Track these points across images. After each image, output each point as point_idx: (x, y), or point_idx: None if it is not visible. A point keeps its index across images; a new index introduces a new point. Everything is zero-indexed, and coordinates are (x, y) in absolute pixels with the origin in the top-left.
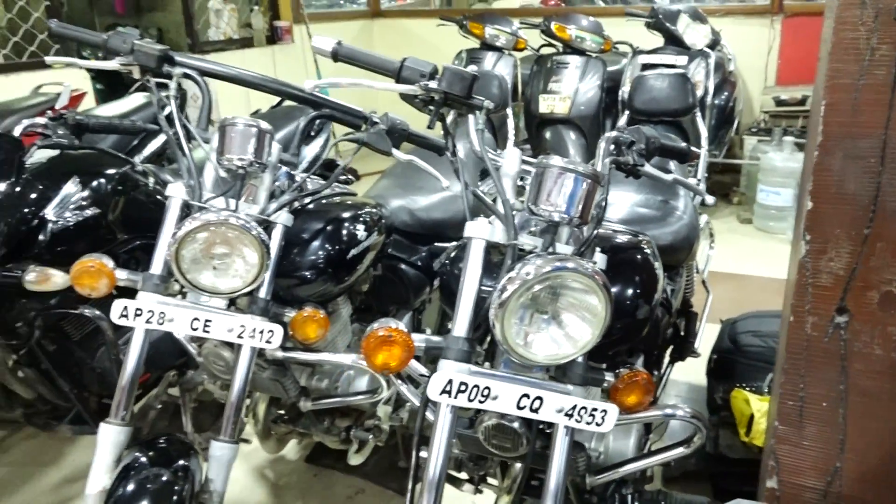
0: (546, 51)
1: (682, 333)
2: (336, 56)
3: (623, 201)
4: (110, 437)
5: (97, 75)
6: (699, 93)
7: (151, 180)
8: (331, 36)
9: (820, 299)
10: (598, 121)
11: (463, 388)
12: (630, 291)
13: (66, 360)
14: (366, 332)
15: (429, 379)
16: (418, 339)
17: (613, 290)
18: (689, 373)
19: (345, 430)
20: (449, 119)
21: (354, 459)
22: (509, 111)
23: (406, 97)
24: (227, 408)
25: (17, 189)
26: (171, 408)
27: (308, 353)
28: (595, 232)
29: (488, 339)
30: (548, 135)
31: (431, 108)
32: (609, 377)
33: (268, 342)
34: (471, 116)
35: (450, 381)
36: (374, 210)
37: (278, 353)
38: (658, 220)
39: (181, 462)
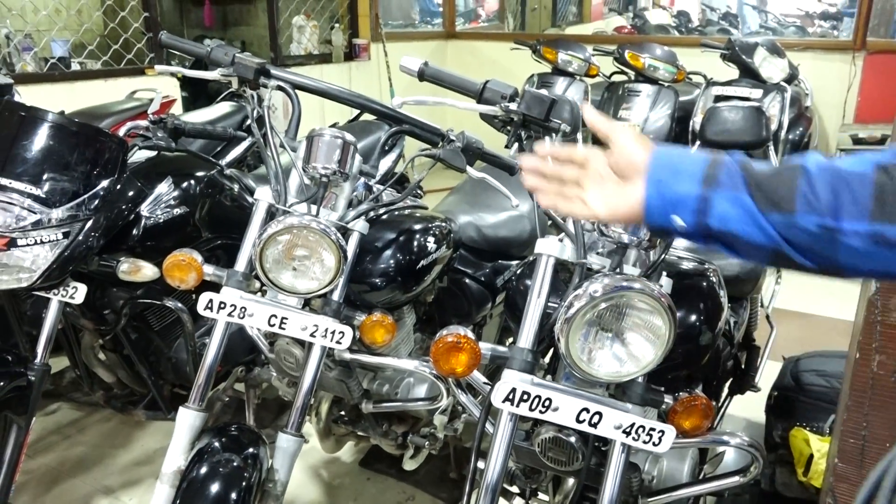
0: (618, 78)
1: (743, 367)
2: (422, 75)
3: None
4: (188, 420)
5: (184, 84)
6: (773, 127)
7: (236, 184)
8: (406, 55)
9: (888, 338)
10: None
11: (525, 397)
12: (693, 317)
13: (146, 348)
14: (436, 337)
15: (492, 387)
16: (485, 348)
17: (678, 314)
18: (748, 408)
19: (401, 435)
20: (526, 140)
21: (409, 465)
22: (580, 136)
23: (485, 117)
24: (295, 402)
25: (119, 186)
26: (234, 402)
27: (373, 357)
28: (662, 256)
29: (551, 352)
30: None
31: (509, 128)
32: (668, 399)
33: (338, 343)
34: (547, 139)
35: (513, 390)
36: (443, 224)
37: (346, 355)
38: None
39: (251, 450)
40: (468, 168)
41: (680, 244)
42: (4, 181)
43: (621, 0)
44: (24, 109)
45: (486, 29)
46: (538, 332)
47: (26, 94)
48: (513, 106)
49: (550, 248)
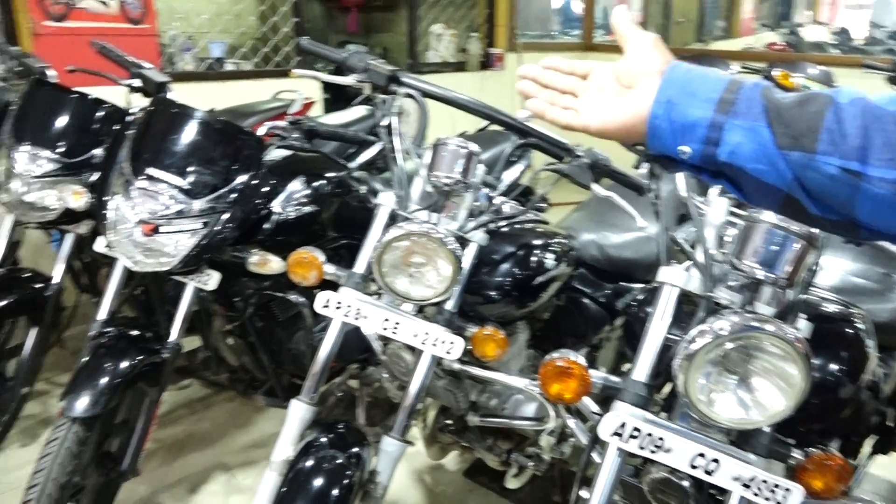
0: None
1: (892, 425)
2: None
3: (837, 267)
4: (298, 413)
5: (326, 87)
6: None
7: (364, 187)
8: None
9: None
10: None
11: (635, 433)
12: (834, 366)
13: (269, 337)
14: (545, 359)
15: (601, 417)
16: (596, 376)
17: (815, 361)
18: (894, 470)
19: (506, 451)
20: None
21: (511, 483)
22: None
23: None
24: (401, 408)
25: (255, 182)
26: (347, 398)
27: (483, 370)
28: (801, 297)
29: (667, 388)
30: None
31: (639, 146)
32: (797, 454)
33: (447, 353)
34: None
35: (623, 424)
36: (564, 241)
37: (455, 365)
38: (876, 293)
39: (355, 449)
40: (593, 185)
41: (823, 282)
42: (155, 172)
43: (775, 15)
44: (176, 106)
45: None
46: (655, 366)
47: (183, 91)
48: None
49: (675, 278)
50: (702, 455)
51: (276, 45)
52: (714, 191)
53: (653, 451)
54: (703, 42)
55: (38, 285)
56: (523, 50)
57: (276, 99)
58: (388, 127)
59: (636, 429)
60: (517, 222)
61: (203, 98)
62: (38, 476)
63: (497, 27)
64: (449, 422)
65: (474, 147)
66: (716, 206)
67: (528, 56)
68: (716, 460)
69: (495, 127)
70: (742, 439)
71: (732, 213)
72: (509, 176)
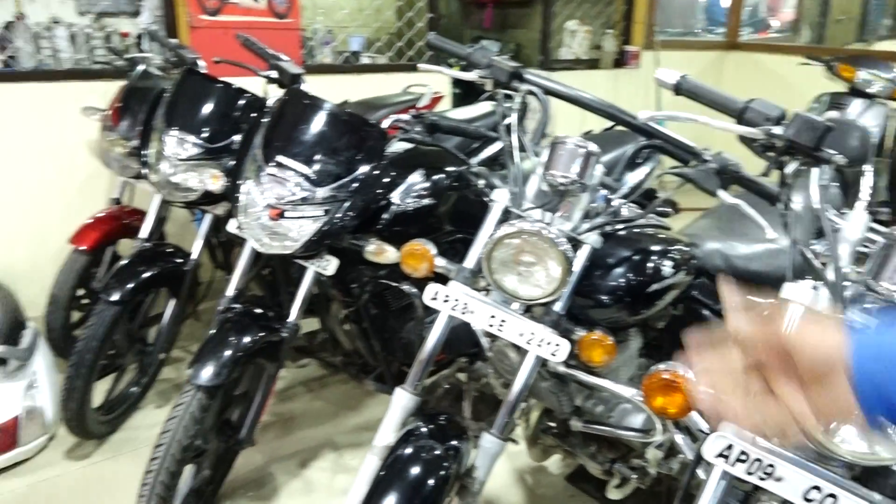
0: None
1: None
2: (679, 89)
3: None
4: (402, 401)
5: (456, 82)
6: None
7: (482, 182)
8: (678, 66)
9: None
10: None
11: (743, 457)
12: None
13: (381, 324)
14: (650, 370)
15: (706, 436)
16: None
17: None
18: None
19: (610, 461)
20: (789, 169)
21: (613, 494)
22: (868, 168)
23: (745, 139)
24: (503, 406)
25: (376, 172)
26: (454, 390)
27: (589, 375)
28: None
29: None
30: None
31: (770, 154)
32: None
33: (552, 354)
34: (814, 170)
35: (729, 447)
36: (685, 248)
37: (560, 367)
38: None
39: (454, 442)
40: (720, 192)
41: None
42: (284, 160)
43: None
44: (307, 98)
45: (774, 41)
46: None
47: (320, 83)
48: (777, 130)
49: (800, 296)
50: (817, 489)
51: (410, 39)
52: (860, 205)
53: (762, 479)
54: (865, 42)
55: (178, 260)
56: (661, 48)
57: (407, 92)
58: (509, 123)
59: (744, 453)
60: (635, 226)
61: (338, 90)
62: (164, 436)
63: (634, 24)
64: (552, 424)
65: (593, 147)
66: (854, 220)
67: (666, 55)
68: (833, 496)
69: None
70: (867, 476)
71: (872, 230)
72: (633, 178)
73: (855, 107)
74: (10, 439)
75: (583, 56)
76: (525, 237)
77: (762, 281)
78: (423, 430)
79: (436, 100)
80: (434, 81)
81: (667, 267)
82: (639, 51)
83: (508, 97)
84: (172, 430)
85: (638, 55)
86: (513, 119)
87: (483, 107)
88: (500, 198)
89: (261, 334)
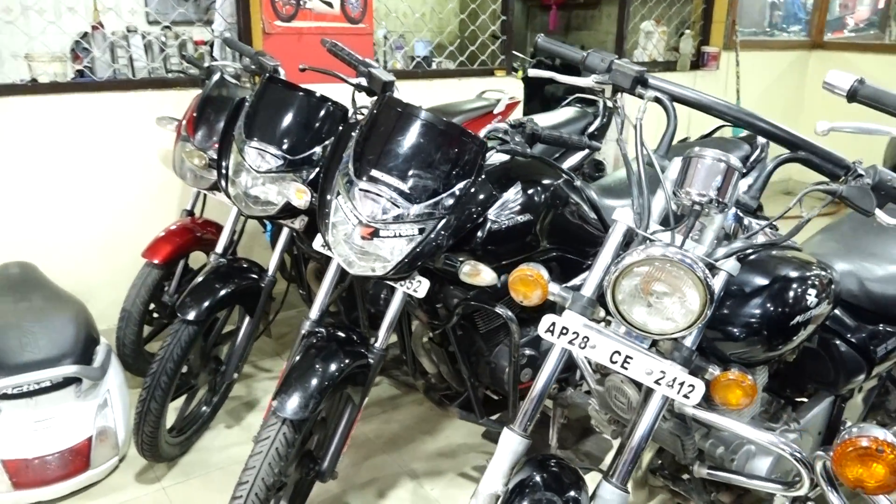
0: None
1: None
2: (854, 95)
3: None
4: (511, 445)
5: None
6: None
7: (580, 197)
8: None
9: None
10: None
11: None
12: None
13: (469, 348)
14: (842, 435)
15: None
16: None
17: None
18: None
19: None
20: None
21: None
22: None
23: None
24: (624, 452)
25: (474, 188)
26: (540, 418)
27: (722, 419)
28: None
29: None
30: None
31: None
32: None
33: (685, 396)
34: None
35: None
36: (824, 274)
37: (688, 409)
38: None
39: (572, 493)
40: (877, 212)
41: None
42: (378, 174)
43: None
44: (401, 106)
45: (862, 38)
46: None
47: None
48: None
49: None
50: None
51: (482, 44)
52: None
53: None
54: None
55: (254, 276)
56: (742, 48)
57: (482, 98)
58: (621, 133)
59: None
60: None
61: (411, 96)
62: (247, 474)
63: (713, 23)
64: (661, 462)
65: (735, 161)
66: None
67: (745, 55)
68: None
69: (725, 133)
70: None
71: None
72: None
73: None
74: (83, 461)
75: (659, 58)
76: (657, 265)
77: None
78: (538, 479)
79: (511, 106)
80: (507, 86)
81: (811, 296)
82: (718, 51)
83: (592, 103)
84: (256, 466)
85: (717, 56)
86: (638, 130)
87: (566, 112)
88: (622, 218)
89: (347, 361)
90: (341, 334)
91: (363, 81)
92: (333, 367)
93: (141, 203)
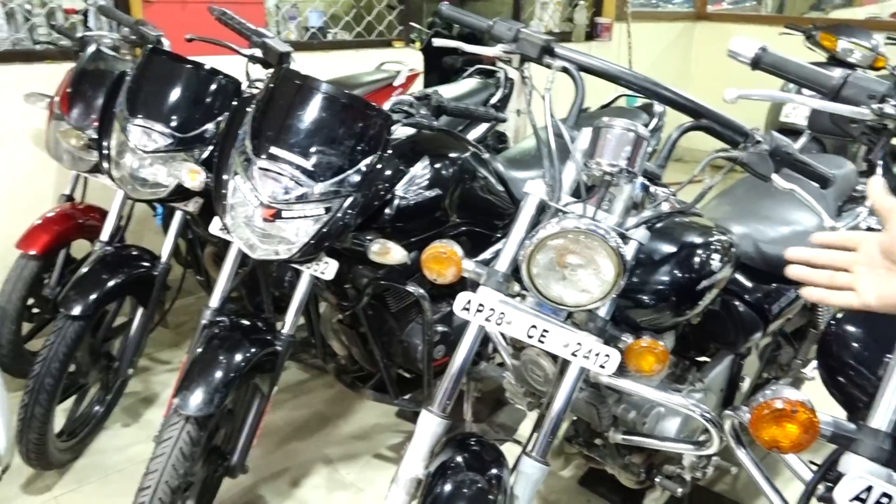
0: None
1: None
2: (758, 63)
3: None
4: (430, 427)
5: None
6: None
7: (487, 169)
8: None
9: None
10: None
11: (884, 500)
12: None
13: (381, 329)
14: (756, 398)
15: (820, 471)
16: (825, 421)
17: None
18: None
19: (645, 470)
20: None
21: None
22: None
23: (838, 120)
24: (542, 425)
25: (380, 164)
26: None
27: (636, 385)
28: None
29: None
30: None
31: (870, 137)
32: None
33: (601, 366)
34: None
35: (868, 489)
36: (725, 238)
37: (603, 378)
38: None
39: (494, 471)
40: (774, 177)
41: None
42: (278, 151)
43: None
44: (300, 78)
45: (741, 10)
46: None
47: None
48: (889, 109)
49: None
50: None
51: (379, 14)
52: None
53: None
54: (821, 11)
55: (146, 264)
56: (633, 19)
57: (381, 70)
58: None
59: (886, 495)
60: (676, 216)
61: (307, 68)
62: (149, 478)
63: None
64: (577, 431)
65: (643, 131)
66: None
67: (636, 26)
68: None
69: (621, 103)
70: None
71: None
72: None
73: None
74: None
75: (555, 29)
76: (571, 237)
77: None
78: (459, 459)
79: (411, 78)
80: (407, 57)
81: (715, 261)
82: (611, 22)
83: (492, 74)
84: (159, 469)
85: (610, 27)
86: (547, 101)
87: (468, 83)
88: (534, 190)
89: (253, 350)
90: (245, 322)
91: (257, 52)
92: (238, 357)
93: (11, 189)
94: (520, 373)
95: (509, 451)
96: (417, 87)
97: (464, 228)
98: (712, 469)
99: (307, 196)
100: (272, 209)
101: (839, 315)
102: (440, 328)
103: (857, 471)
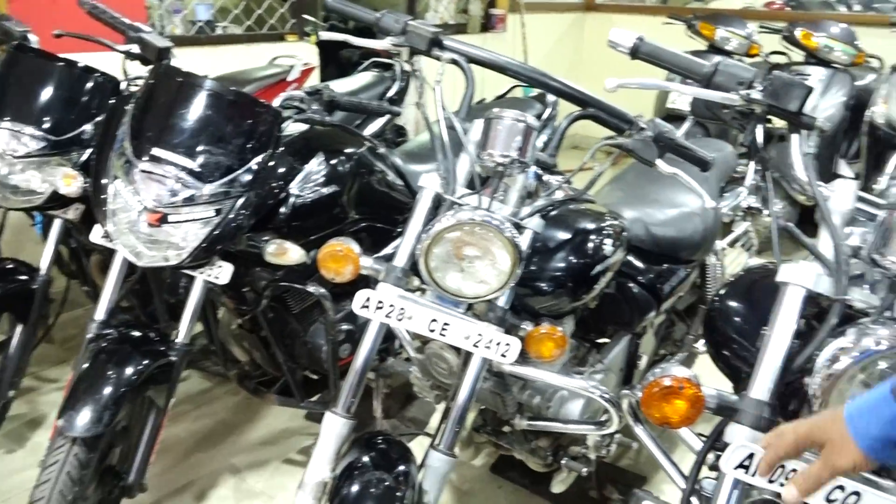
0: (777, 59)
1: None
2: (636, 52)
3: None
4: (335, 428)
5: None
6: None
7: (384, 163)
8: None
9: None
10: (836, 142)
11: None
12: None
13: (283, 331)
14: (645, 377)
15: (708, 443)
16: (709, 395)
17: None
18: None
19: (551, 453)
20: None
21: (558, 487)
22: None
23: (712, 106)
24: (448, 418)
25: (272, 161)
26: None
27: (538, 371)
28: None
29: (793, 408)
30: (773, 152)
31: (740, 122)
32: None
33: (503, 355)
34: (795, 136)
35: (750, 456)
36: (616, 223)
37: (506, 367)
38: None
39: (401, 467)
40: (658, 162)
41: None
42: (160, 152)
43: None
44: (182, 75)
45: (628, 1)
46: (778, 383)
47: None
48: (755, 94)
49: (802, 277)
50: (841, 488)
51: (270, 6)
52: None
53: (783, 485)
54: (701, 1)
55: (23, 277)
56: (526, 10)
57: (274, 65)
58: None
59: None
60: (569, 203)
61: (195, 65)
62: None
63: None
64: (485, 420)
65: (533, 121)
66: (841, 190)
67: (529, 17)
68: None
69: (517, 93)
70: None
71: (861, 199)
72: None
73: None
74: None
75: (450, 21)
76: (468, 228)
77: (679, 247)
78: (365, 459)
79: (306, 72)
80: (301, 51)
81: (607, 246)
82: (505, 13)
83: (389, 66)
84: (45, 497)
85: (504, 18)
86: (438, 94)
87: (364, 77)
88: (428, 184)
89: (145, 362)
90: (136, 333)
91: (134, 48)
92: (129, 370)
93: None
94: (425, 367)
95: (421, 444)
96: (314, 81)
97: (363, 224)
98: (616, 446)
99: (195, 198)
100: (157, 213)
101: (721, 291)
102: (345, 326)
103: (740, 439)
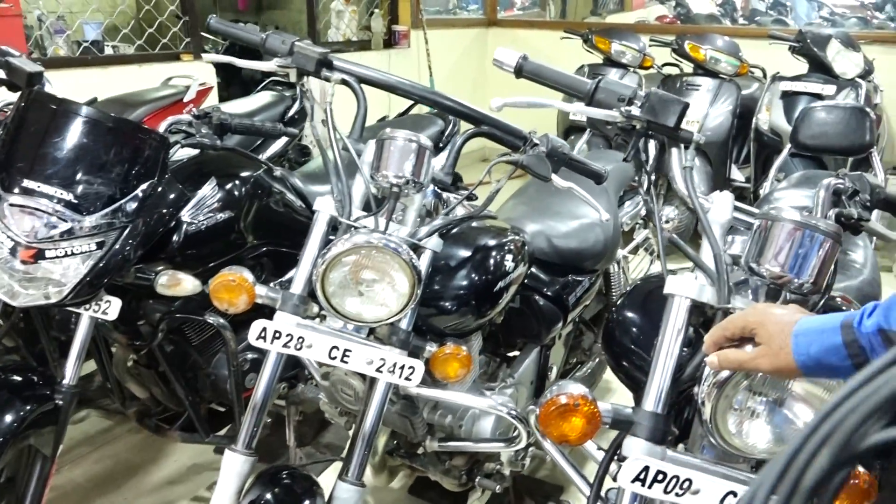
0: (669, 70)
1: None
2: (520, 72)
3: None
4: (235, 466)
5: (218, 70)
6: None
7: (283, 186)
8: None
9: None
10: (727, 148)
11: (660, 477)
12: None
13: (182, 363)
14: (544, 397)
15: (608, 456)
16: (605, 410)
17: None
18: None
19: (465, 472)
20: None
21: None
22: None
23: (594, 122)
24: (354, 446)
25: (160, 188)
26: (273, 416)
27: (443, 392)
28: (824, 298)
29: (687, 416)
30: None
31: (622, 138)
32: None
33: (407, 379)
34: (675, 151)
35: (645, 469)
36: (518, 238)
37: (412, 389)
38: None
39: (307, 502)
40: (553, 176)
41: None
42: (32, 184)
43: None
44: (55, 102)
45: (528, 17)
46: (670, 394)
47: (59, 80)
48: (635, 111)
49: (685, 289)
50: (733, 494)
51: (161, 25)
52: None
53: (679, 495)
54: (598, 16)
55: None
56: (428, 27)
57: (169, 86)
58: (301, 116)
59: (661, 472)
60: (469, 221)
61: (84, 87)
62: None
63: (400, 2)
64: (397, 442)
65: (425, 141)
66: (719, 202)
67: (433, 33)
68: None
69: (419, 109)
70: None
71: (740, 210)
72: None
73: (612, 76)
74: None
75: (353, 37)
76: (364, 252)
77: (581, 257)
78: (269, 497)
79: (203, 93)
80: (197, 71)
81: (508, 262)
82: (408, 30)
83: (291, 86)
84: None
85: (407, 34)
86: (328, 115)
87: (262, 97)
88: (323, 207)
89: (27, 408)
90: (15, 377)
91: (1, 74)
92: (8, 418)
93: None
94: (331, 393)
95: (338, 470)
96: (212, 101)
97: (265, 249)
98: (530, 459)
99: (74, 231)
100: (31, 249)
101: (618, 303)
102: (250, 355)
103: (636, 453)
